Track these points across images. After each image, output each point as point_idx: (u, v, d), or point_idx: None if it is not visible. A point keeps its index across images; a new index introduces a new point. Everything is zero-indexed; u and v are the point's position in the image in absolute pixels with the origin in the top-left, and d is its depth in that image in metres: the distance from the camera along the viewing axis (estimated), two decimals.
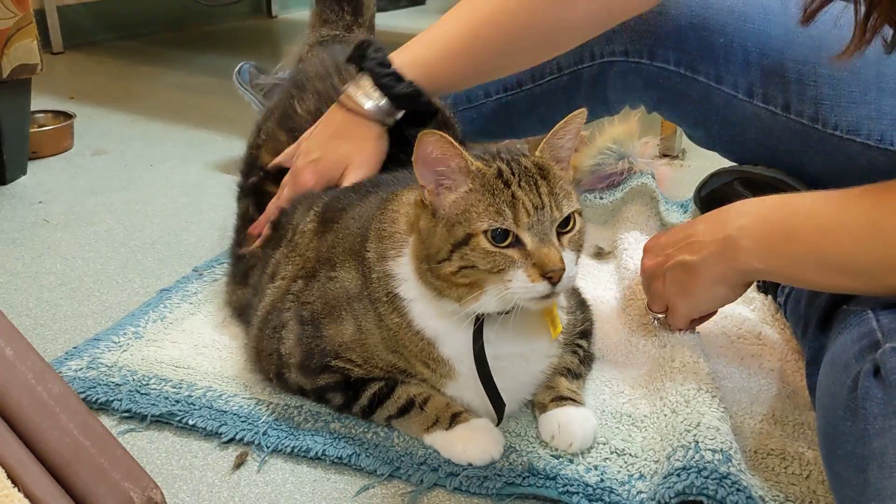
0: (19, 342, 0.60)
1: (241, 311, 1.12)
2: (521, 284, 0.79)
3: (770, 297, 1.18)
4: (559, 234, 0.81)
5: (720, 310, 1.03)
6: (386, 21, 3.82)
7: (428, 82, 1.07)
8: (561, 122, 0.84)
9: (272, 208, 1.12)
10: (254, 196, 1.19)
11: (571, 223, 0.83)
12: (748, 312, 1.17)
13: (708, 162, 1.48)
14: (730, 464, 0.78)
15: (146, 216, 1.57)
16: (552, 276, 0.78)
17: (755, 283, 1.22)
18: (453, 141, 0.80)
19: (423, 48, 1.09)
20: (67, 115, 1.96)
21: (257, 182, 1.18)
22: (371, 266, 0.91)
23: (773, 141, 1.23)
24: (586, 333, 1.03)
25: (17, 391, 0.57)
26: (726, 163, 1.36)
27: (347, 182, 1.07)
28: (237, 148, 1.92)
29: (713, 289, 0.95)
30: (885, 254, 0.74)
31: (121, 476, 0.55)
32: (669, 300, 1.02)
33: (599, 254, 1.37)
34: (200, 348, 1.09)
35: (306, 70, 1.24)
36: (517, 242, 0.79)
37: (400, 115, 1.09)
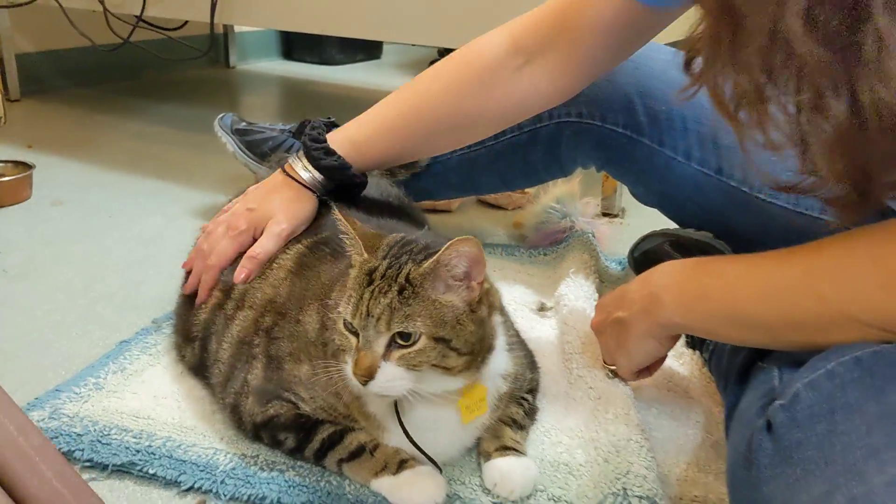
0: (2, 398, 0.65)
1: (195, 368, 1.16)
2: (346, 370, 0.88)
3: (698, 352, 1.27)
4: (397, 346, 0.85)
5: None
6: (343, 75, 3.92)
7: (358, 157, 1.22)
8: (446, 245, 0.84)
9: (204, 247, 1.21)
10: None
11: (412, 342, 0.85)
12: (678, 366, 1.26)
13: (646, 220, 1.58)
14: None
15: (105, 268, 1.60)
16: (361, 379, 0.85)
17: (684, 339, 1.31)
18: (356, 235, 0.90)
19: (356, 127, 1.25)
20: (27, 166, 1.99)
21: None
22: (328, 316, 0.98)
23: (706, 199, 1.35)
24: (533, 390, 1.11)
25: (2, 443, 0.62)
26: (662, 221, 1.47)
27: (267, 232, 1.18)
28: (195, 199, 1.97)
29: (643, 342, 1.04)
30: (783, 312, 0.83)
31: None
32: (611, 354, 1.12)
33: (542, 308, 1.46)
34: (160, 399, 1.13)
35: None
36: (357, 334, 0.87)
37: (332, 185, 1.23)
